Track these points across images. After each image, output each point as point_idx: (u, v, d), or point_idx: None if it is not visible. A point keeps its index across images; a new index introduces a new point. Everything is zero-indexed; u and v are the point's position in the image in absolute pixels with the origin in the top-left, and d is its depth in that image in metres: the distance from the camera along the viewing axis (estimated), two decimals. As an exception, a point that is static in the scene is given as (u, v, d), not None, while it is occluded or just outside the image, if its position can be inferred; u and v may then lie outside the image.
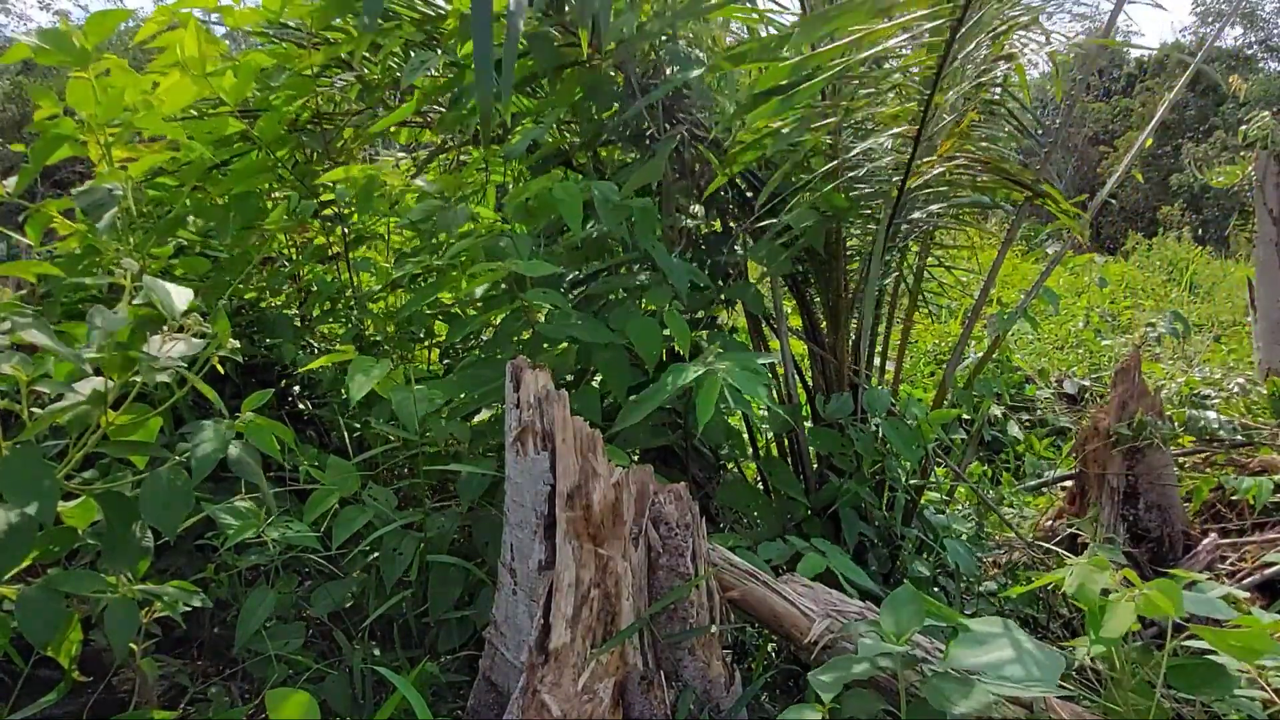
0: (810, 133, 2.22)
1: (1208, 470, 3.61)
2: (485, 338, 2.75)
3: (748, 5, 2.53)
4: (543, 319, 2.12)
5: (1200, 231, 16.44)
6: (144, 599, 1.60)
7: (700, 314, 2.55)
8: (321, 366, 2.18)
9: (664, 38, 2.29)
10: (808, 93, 2.03)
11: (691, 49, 2.37)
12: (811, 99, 2.13)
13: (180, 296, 1.47)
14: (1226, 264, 12.27)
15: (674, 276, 2.13)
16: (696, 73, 2.20)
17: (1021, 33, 2.31)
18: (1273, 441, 3.76)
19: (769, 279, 2.65)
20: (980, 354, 2.93)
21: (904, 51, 2.19)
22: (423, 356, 2.88)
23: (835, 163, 2.35)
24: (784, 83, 2.02)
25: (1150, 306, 9.02)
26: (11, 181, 1.97)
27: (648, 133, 2.38)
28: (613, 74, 2.37)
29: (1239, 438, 3.84)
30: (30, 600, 1.43)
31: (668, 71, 2.34)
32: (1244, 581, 2.73)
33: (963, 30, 1.93)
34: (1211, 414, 3.95)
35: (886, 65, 2.27)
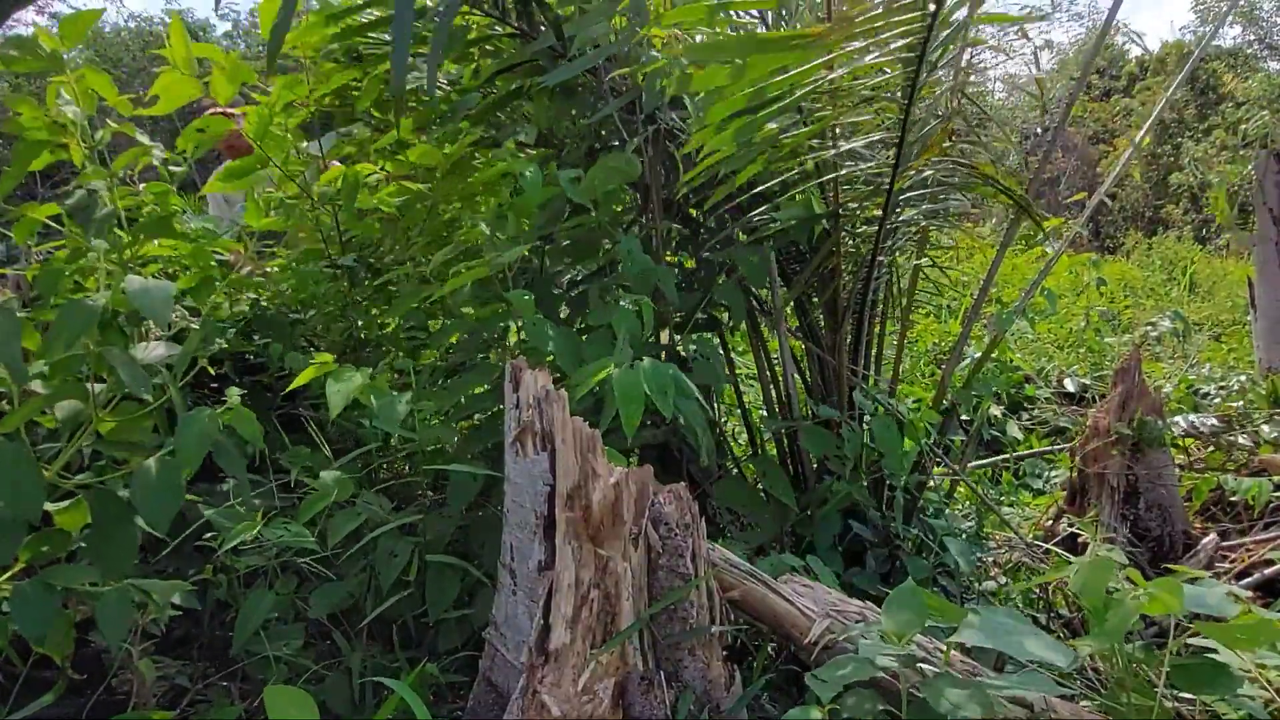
0: (785, 143, 2.21)
1: (1206, 470, 3.61)
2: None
3: (721, 17, 2.52)
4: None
5: (1202, 231, 16.42)
6: (141, 600, 1.59)
7: (700, 315, 2.54)
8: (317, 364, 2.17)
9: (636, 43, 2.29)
10: (774, 113, 2.03)
11: (662, 52, 2.37)
12: (783, 114, 2.13)
13: (160, 295, 1.46)
14: (1226, 263, 12.26)
15: (643, 276, 2.13)
16: (651, 68, 2.19)
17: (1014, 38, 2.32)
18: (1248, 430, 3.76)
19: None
20: (979, 353, 2.93)
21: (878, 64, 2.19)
22: (427, 356, 2.88)
23: (820, 154, 2.35)
24: (752, 105, 2.01)
25: (1150, 306, 9.02)
26: None
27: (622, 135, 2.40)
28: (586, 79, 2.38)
29: (1217, 425, 3.84)
30: (24, 595, 1.43)
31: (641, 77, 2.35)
32: (1244, 581, 2.73)
33: (930, 49, 1.94)
34: (1181, 419, 3.94)
35: (860, 81, 2.27)
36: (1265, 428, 3.72)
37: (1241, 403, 4.40)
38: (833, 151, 2.40)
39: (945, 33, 1.97)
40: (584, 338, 2.16)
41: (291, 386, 2.00)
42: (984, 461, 4.13)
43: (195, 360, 1.64)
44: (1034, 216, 2.54)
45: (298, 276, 2.61)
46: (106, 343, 1.50)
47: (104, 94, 1.90)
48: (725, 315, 2.76)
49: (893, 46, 1.98)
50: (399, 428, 1.90)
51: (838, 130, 2.47)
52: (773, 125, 2.17)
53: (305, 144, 2.60)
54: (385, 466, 2.43)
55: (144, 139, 2.08)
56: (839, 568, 2.34)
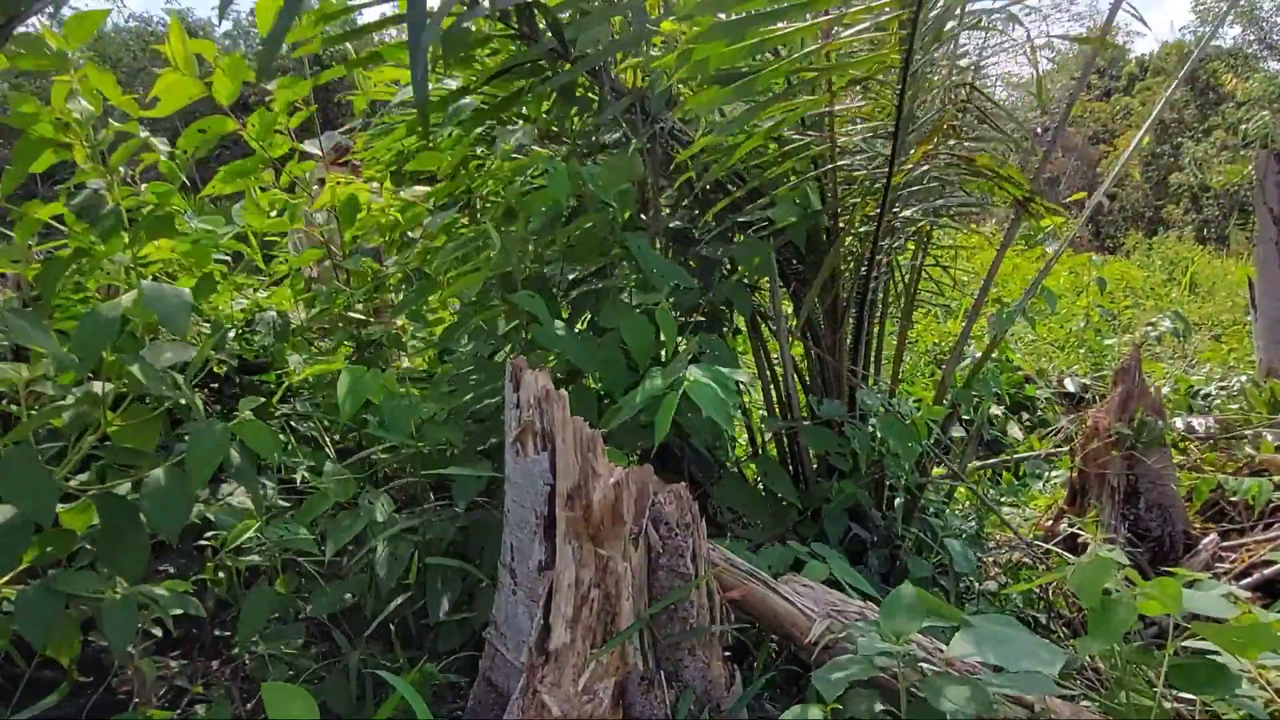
0: (778, 119, 2.18)
1: (1206, 469, 3.61)
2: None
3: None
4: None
5: (1202, 230, 16.41)
6: (143, 602, 1.59)
7: (701, 315, 2.54)
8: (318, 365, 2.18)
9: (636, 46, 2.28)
10: (766, 79, 2.01)
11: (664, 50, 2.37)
12: (771, 86, 2.10)
13: (178, 302, 1.46)
14: (1227, 263, 12.26)
15: (660, 274, 2.13)
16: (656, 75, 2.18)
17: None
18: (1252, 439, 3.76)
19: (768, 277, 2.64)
20: (979, 353, 2.93)
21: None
22: (425, 356, 2.88)
23: (818, 148, 2.34)
24: (741, 68, 1.99)
25: (1151, 306, 9.02)
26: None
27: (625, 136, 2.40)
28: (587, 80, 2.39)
29: (1215, 431, 3.85)
30: (28, 600, 1.43)
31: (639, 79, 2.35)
32: (1244, 581, 2.73)
33: (923, 23, 1.92)
34: (1179, 421, 3.95)
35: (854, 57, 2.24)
36: (1269, 435, 3.71)
37: (1238, 407, 4.41)
38: (833, 147, 2.38)
39: (936, 11, 1.95)
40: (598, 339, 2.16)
41: (295, 380, 2.00)
42: (986, 463, 4.14)
43: (206, 361, 1.64)
44: (1040, 205, 2.52)
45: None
46: (118, 346, 1.50)
47: (108, 94, 1.90)
48: (727, 315, 2.77)
49: (883, 18, 1.96)
50: (405, 435, 1.90)
51: (833, 122, 2.46)
52: (764, 124, 2.16)
53: (305, 143, 2.60)
54: (388, 467, 2.43)
55: (150, 138, 2.09)
56: (839, 568, 2.34)
